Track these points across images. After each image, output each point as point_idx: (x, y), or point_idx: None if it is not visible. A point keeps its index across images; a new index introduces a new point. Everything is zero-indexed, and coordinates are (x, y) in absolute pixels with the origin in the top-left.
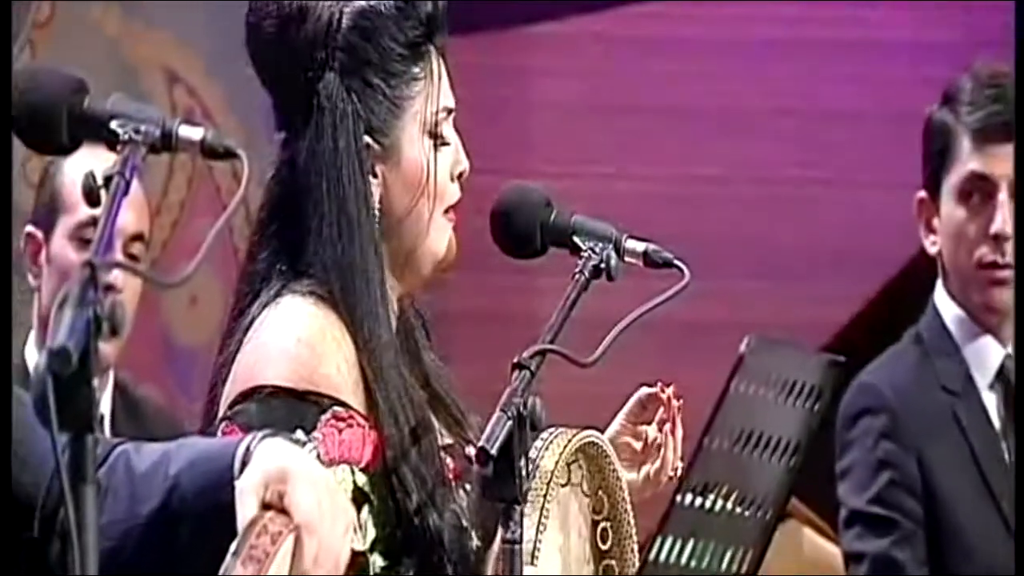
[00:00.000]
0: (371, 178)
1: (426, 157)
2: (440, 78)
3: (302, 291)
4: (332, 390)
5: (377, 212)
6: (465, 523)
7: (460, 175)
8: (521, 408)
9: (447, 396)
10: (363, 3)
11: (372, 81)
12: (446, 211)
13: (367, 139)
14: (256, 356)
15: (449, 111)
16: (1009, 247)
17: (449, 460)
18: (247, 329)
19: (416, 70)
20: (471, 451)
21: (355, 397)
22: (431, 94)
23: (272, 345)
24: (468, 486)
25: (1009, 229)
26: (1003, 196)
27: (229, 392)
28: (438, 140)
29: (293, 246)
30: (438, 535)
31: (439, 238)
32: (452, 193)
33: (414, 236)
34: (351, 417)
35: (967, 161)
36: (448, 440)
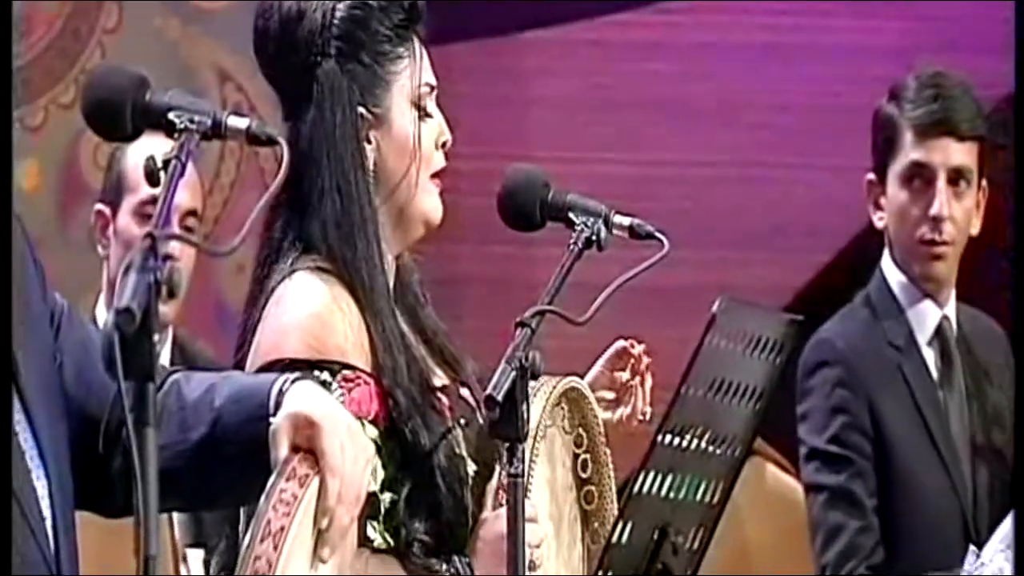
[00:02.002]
0: (366, 144)
1: (413, 125)
2: (421, 58)
3: (312, 267)
4: (340, 355)
5: (372, 174)
6: (459, 451)
7: (444, 144)
8: (523, 360)
9: (443, 345)
10: None
11: (364, 60)
12: (433, 176)
13: (361, 109)
14: (275, 331)
15: (431, 87)
16: (945, 226)
17: (444, 399)
18: (267, 298)
19: (401, 50)
20: (465, 392)
21: (361, 356)
22: (414, 71)
23: (287, 320)
24: (462, 421)
25: (945, 212)
26: (940, 183)
27: (253, 361)
28: (422, 112)
29: (300, 211)
30: (435, 463)
31: (427, 199)
32: (437, 160)
33: (405, 196)
34: (358, 377)
35: (910, 152)
36: (444, 382)
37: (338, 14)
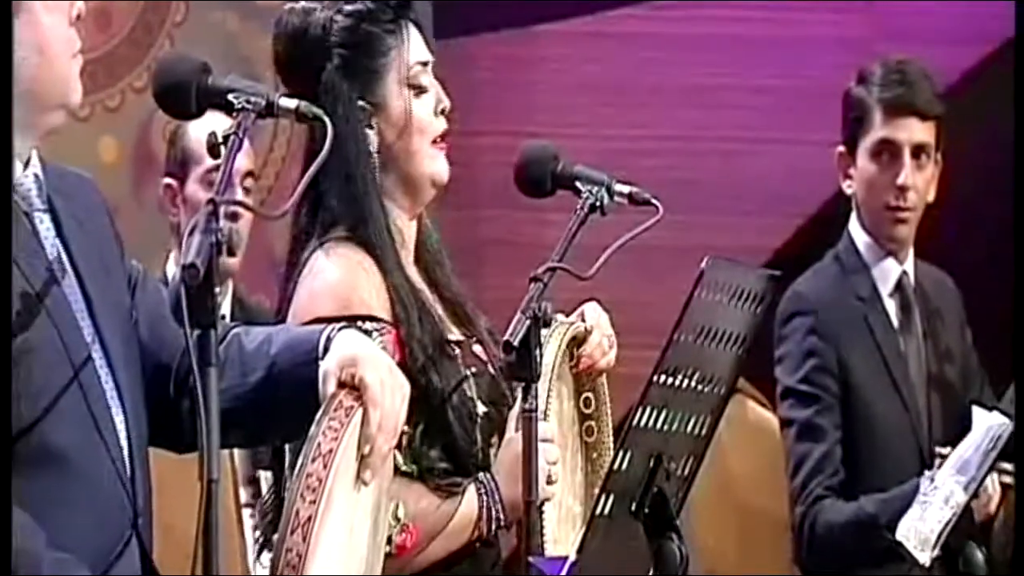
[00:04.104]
0: (369, 130)
1: (407, 103)
2: (409, 41)
3: (335, 238)
4: (366, 309)
5: (376, 155)
6: (470, 394)
7: (443, 111)
8: (536, 311)
9: (458, 302)
10: (349, 7)
11: (360, 61)
12: (434, 142)
13: (361, 103)
14: (309, 294)
15: (424, 63)
16: (909, 194)
17: (458, 350)
18: (304, 264)
19: (391, 41)
20: (477, 347)
21: (385, 311)
22: (403, 54)
23: (318, 285)
24: (472, 370)
25: (909, 182)
26: (906, 157)
27: (292, 320)
28: (415, 89)
29: (319, 194)
30: (448, 403)
31: (430, 163)
32: (437, 126)
33: (408, 166)
34: (383, 327)
35: (879, 130)
36: (459, 337)
37: (335, 25)
